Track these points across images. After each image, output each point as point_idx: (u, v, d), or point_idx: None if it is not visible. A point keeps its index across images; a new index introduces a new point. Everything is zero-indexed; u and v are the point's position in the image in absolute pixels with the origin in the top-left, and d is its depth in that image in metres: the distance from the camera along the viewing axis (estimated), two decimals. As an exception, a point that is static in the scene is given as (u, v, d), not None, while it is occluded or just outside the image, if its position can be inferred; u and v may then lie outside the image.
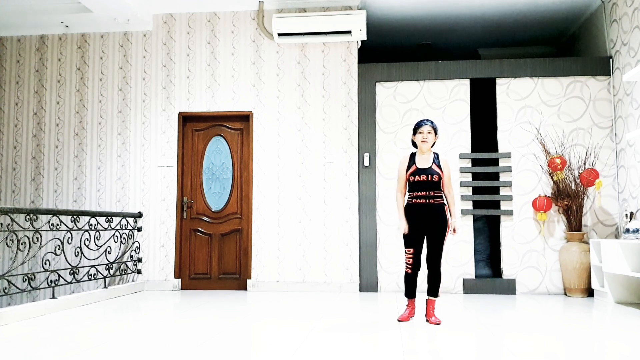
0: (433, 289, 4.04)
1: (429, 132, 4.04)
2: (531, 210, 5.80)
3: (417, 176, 4.00)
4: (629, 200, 5.44)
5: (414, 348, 3.28)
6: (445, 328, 3.85)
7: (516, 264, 5.78)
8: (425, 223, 3.98)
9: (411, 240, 4.00)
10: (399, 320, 4.05)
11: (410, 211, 4.03)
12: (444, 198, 4.04)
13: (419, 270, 4.03)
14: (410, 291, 4.06)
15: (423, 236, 4.02)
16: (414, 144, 4.17)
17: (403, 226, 4.06)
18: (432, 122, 4.09)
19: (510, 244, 5.81)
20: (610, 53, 5.84)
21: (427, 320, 4.01)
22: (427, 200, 3.98)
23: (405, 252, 4.02)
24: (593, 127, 5.83)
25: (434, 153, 4.10)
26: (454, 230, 4.03)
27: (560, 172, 5.62)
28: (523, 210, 5.82)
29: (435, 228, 3.98)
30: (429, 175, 3.98)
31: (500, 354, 3.24)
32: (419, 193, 3.99)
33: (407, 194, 4.10)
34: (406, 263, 4.02)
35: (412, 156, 4.11)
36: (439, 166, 4.03)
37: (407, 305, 4.11)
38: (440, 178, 4.00)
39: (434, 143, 4.10)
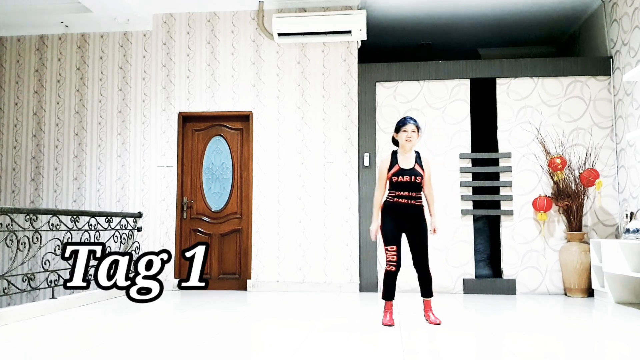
0: (427, 290, 4.00)
1: (413, 131, 3.95)
2: (531, 210, 5.79)
3: (400, 177, 3.90)
4: (629, 200, 5.43)
5: (414, 348, 3.28)
6: (445, 328, 3.85)
7: (516, 264, 5.77)
8: (405, 224, 3.92)
9: (393, 238, 3.90)
10: (384, 325, 3.89)
11: (391, 210, 3.94)
12: (423, 198, 4.00)
13: (400, 268, 3.92)
14: (390, 293, 3.94)
15: (402, 235, 3.95)
16: (395, 142, 4.08)
17: (375, 227, 3.99)
18: (415, 121, 4.00)
19: (510, 244, 5.80)
20: (611, 53, 5.84)
21: (427, 321, 3.98)
22: (409, 201, 3.91)
23: (388, 250, 3.89)
24: (593, 127, 5.82)
25: (415, 152, 4.03)
26: (434, 230, 3.99)
27: (560, 172, 5.62)
28: (523, 210, 5.81)
29: (417, 229, 3.92)
30: (413, 177, 3.91)
31: (500, 354, 3.24)
32: (402, 193, 3.91)
33: (388, 192, 4.00)
34: (389, 261, 3.89)
35: (394, 155, 4.01)
36: (421, 166, 3.97)
37: (385, 309, 3.96)
38: (422, 179, 3.95)
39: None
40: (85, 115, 6.46)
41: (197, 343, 3.36)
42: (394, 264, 3.89)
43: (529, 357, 3.10)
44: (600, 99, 5.84)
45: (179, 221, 6.20)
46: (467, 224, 5.88)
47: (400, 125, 4.00)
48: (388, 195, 3.99)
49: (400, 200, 3.92)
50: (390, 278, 3.92)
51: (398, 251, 3.89)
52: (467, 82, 6.03)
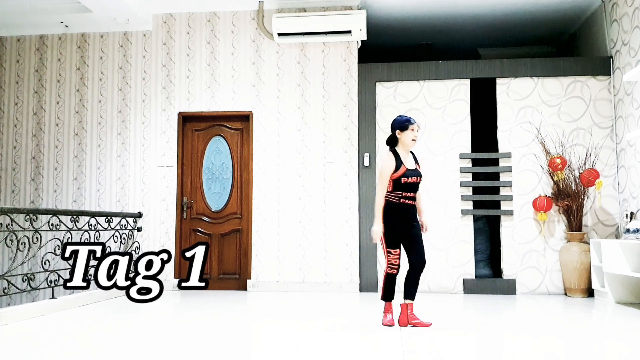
0: (414, 292, 3.90)
1: (417, 131, 3.92)
2: (531, 210, 5.79)
3: (409, 178, 3.83)
4: (629, 200, 5.43)
5: (414, 348, 3.28)
6: (446, 328, 3.85)
7: (516, 264, 5.77)
8: (406, 224, 3.85)
9: (397, 241, 3.84)
10: (385, 325, 3.85)
11: (397, 211, 3.83)
12: None
13: (399, 270, 3.89)
14: (391, 294, 3.90)
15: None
16: (392, 142, 3.95)
17: (380, 229, 3.83)
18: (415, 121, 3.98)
19: (510, 244, 5.80)
20: (611, 53, 5.84)
21: (414, 325, 3.84)
22: (413, 202, 3.88)
23: (391, 253, 3.82)
24: (593, 127, 5.82)
25: (410, 151, 3.98)
26: (426, 228, 3.97)
27: (560, 172, 5.62)
28: (523, 210, 5.81)
29: (416, 229, 3.88)
30: (418, 177, 3.89)
31: (500, 354, 3.24)
32: (408, 194, 3.85)
33: (390, 193, 3.86)
34: (392, 264, 3.83)
35: (397, 155, 3.89)
36: (419, 166, 3.96)
37: (386, 310, 3.92)
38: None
39: None
40: (85, 115, 6.46)
41: (197, 343, 3.36)
42: (397, 267, 3.85)
43: (529, 357, 3.10)
44: (600, 99, 5.84)
45: (179, 221, 6.20)
46: (467, 224, 5.88)
47: (407, 124, 3.89)
48: (391, 197, 3.85)
49: (407, 201, 3.86)
50: (392, 280, 3.88)
51: (400, 254, 3.85)
52: (467, 82, 6.03)
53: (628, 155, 5.48)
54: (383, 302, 3.97)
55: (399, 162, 3.86)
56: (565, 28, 6.88)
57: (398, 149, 3.93)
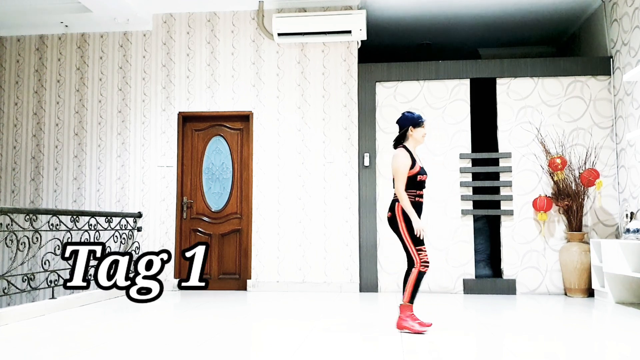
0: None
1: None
2: (531, 210, 5.79)
3: (423, 175, 3.82)
4: (629, 200, 5.43)
5: (414, 348, 3.28)
6: (446, 328, 3.85)
7: (516, 264, 5.77)
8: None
9: (422, 239, 3.75)
10: (424, 328, 3.68)
11: (416, 210, 3.79)
12: None
13: None
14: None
15: None
16: (400, 139, 3.91)
17: (423, 224, 3.75)
18: None
19: (510, 244, 5.80)
20: (611, 53, 5.84)
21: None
22: (423, 199, 3.86)
23: (420, 251, 3.72)
24: (593, 127, 5.82)
25: None
26: None
27: (560, 172, 5.61)
28: (523, 210, 5.81)
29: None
30: (426, 175, 3.89)
31: (500, 354, 3.24)
32: (421, 192, 3.84)
33: (406, 192, 3.79)
34: (425, 262, 3.73)
35: (409, 153, 3.84)
36: None
37: (412, 312, 3.77)
38: None
39: None
40: (85, 115, 6.46)
41: (197, 343, 3.36)
42: (428, 264, 3.76)
43: (529, 357, 3.10)
44: (600, 99, 5.84)
45: (179, 221, 6.20)
46: (467, 224, 5.88)
47: (420, 121, 3.86)
48: (409, 195, 3.78)
49: (421, 199, 3.83)
50: (422, 279, 3.77)
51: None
52: (467, 82, 6.03)
53: (628, 155, 5.47)
54: (410, 305, 3.74)
55: (413, 160, 3.81)
56: (565, 28, 6.88)
57: (408, 146, 3.87)
